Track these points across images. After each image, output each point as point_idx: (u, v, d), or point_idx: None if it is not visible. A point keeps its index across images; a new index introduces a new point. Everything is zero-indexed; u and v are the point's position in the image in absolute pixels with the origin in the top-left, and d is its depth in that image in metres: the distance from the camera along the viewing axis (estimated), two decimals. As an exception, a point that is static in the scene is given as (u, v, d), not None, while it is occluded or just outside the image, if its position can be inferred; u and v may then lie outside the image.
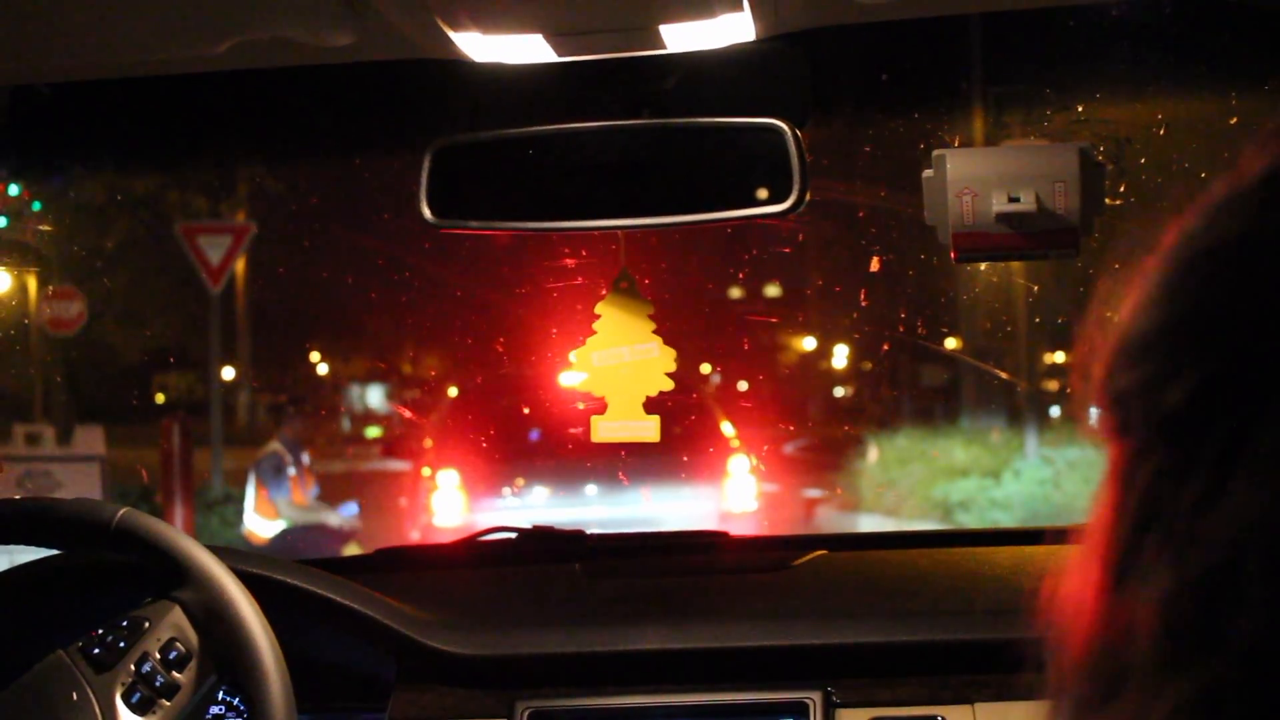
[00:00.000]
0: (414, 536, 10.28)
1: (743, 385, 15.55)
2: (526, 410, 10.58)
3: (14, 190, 8.06)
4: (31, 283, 10.76)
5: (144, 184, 12.90)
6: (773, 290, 17.08)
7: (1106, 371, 0.74)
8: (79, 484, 8.92)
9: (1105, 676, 0.69)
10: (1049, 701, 0.74)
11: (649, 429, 2.14)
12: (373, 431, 18.75)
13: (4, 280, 9.77)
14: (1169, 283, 0.71)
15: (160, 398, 17.81)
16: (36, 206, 8.97)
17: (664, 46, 1.76)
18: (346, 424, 19.89)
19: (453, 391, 13.48)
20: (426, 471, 10.64)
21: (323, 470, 12.57)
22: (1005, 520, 12.10)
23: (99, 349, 14.31)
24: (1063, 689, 0.73)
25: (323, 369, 19.33)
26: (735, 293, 15.47)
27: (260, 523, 9.89)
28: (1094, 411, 0.74)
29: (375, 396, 20.88)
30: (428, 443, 11.46)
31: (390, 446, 15.83)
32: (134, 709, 1.84)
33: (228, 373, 16.18)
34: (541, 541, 2.55)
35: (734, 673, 2.09)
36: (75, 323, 11.01)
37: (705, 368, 15.29)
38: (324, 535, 9.84)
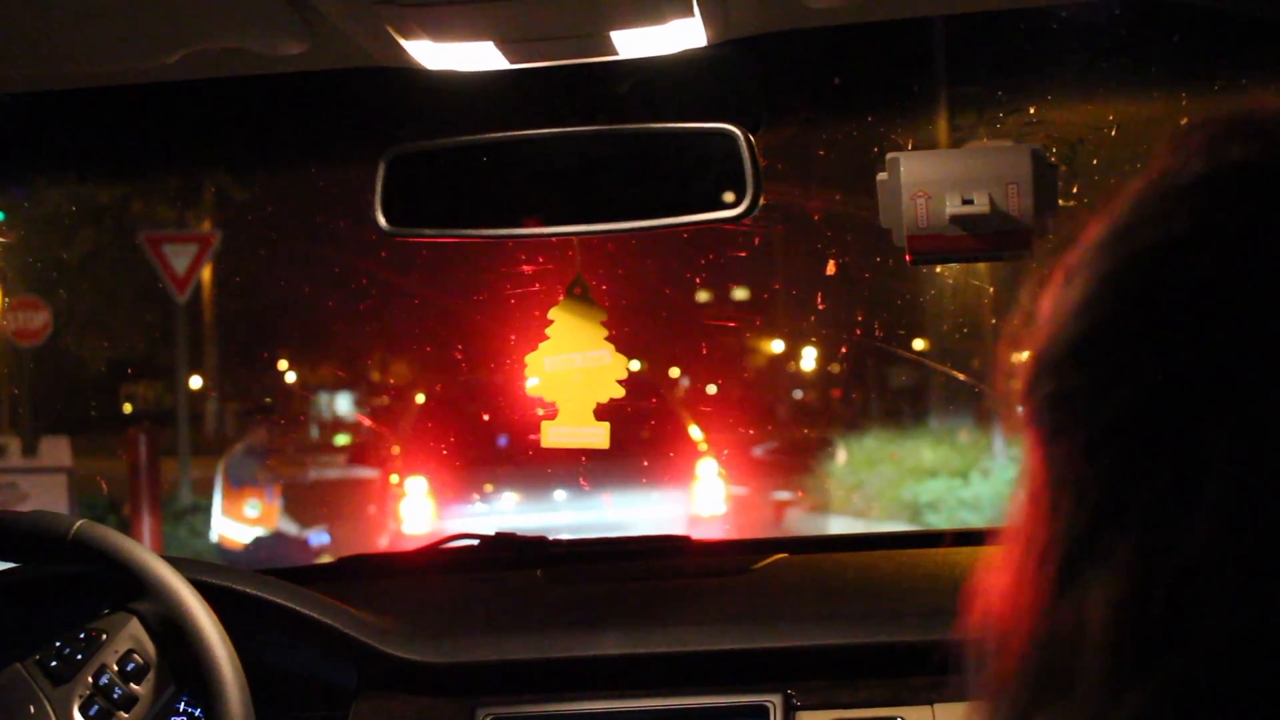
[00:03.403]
0: (383, 544, 10.25)
1: (711, 389, 15.56)
2: (491, 416, 10.56)
3: (-25, 202, 8.02)
4: (-5, 294, 10.71)
5: (108, 194, 12.84)
6: (735, 294, 17.07)
7: (1037, 373, 0.74)
8: (46, 495, 8.89)
9: (1048, 677, 0.69)
10: (984, 701, 0.75)
11: (598, 436, 2.14)
12: (341, 439, 18.68)
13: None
14: (1105, 282, 0.71)
15: (127, 408, 17.72)
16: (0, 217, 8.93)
17: (615, 53, 1.76)
18: (315, 432, 19.82)
19: (420, 398, 13.45)
20: (395, 479, 10.62)
21: (291, 479, 12.52)
22: (974, 521, 12.12)
23: (64, 360, 14.24)
24: (999, 689, 0.73)
25: (290, 377, 19.26)
26: (696, 297, 15.46)
27: (230, 526, 9.83)
28: (1019, 412, 0.74)
29: (343, 404, 20.80)
30: (395, 450, 11.44)
31: (357, 454, 15.78)
32: (91, 721, 1.83)
33: (195, 382, 16.11)
34: (504, 548, 2.55)
35: (694, 677, 2.09)
36: (40, 333, 10.97)
37: (673, 372, 15.30)
38: (295, 547, 9.80)
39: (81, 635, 1.88)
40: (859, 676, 2.08)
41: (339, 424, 19.82)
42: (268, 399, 16.82)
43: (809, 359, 17.58)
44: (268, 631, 2.13)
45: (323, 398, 20.50)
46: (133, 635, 1.88)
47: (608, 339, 2.13)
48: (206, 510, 11.07)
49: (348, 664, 2.15)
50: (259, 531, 9.76)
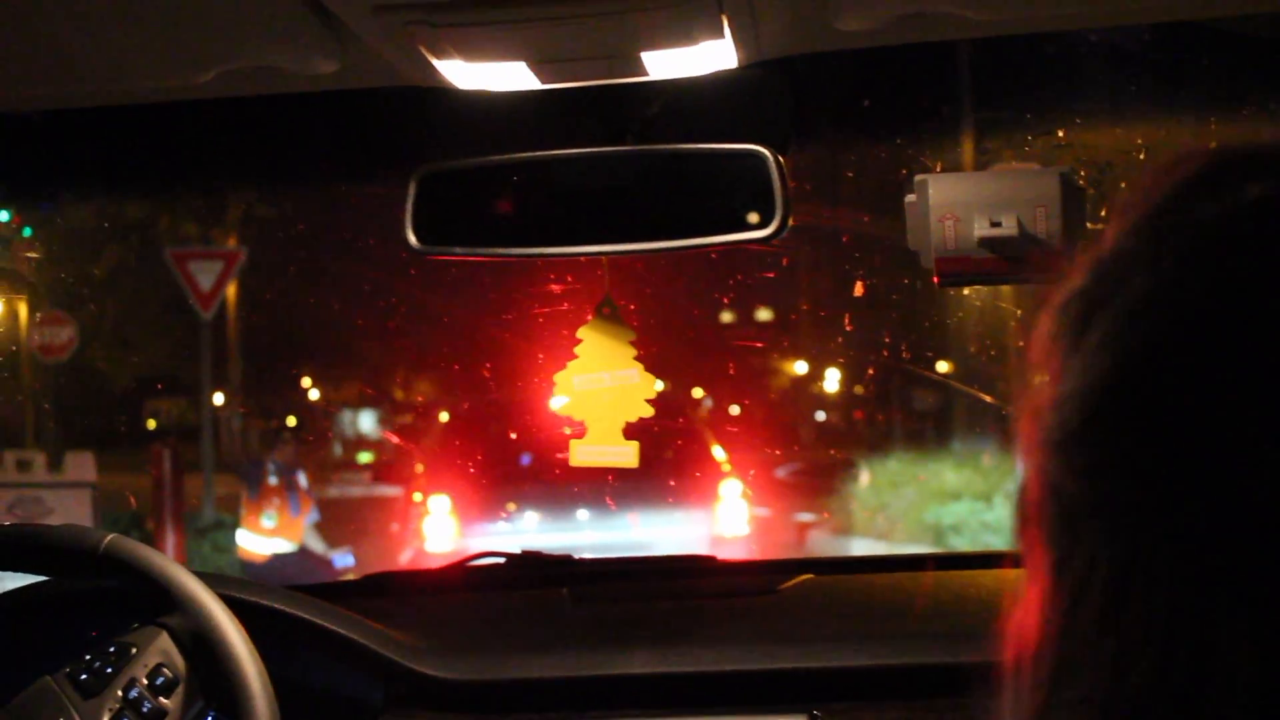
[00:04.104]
0: (406, 562, 10.25)
1: (735, 410, 15.55)
2: (517, 435, 10.58)
3: (4, 216, 8.06)
4: (22, 309, 10.75)
5: (134, 210, 12.89)
6: (761, 314, 17.09)
7: (1079, 414, 0.72)
8: (70, 510, 8.90)
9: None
10: None
11: (627, 455, 2.14)
12: (365, 457, 18.71)
13: (-5, 307, 9.77)
14: (1157, 330, 0.70)
15: (152, 423, 17.77)
16: (27, 232, 8.97)
17: (646, 74, 1.77)
18: (338, 449, 19.85)
19: (444, 416, 13.47)
20: (418, 497, 10.63)
21: (316, 496, 12.55)
22: (998, 544, 12.06)
23: (90, 375, 14.29)
24: (1029, 712, 0.73)
25: (314, 394, 19.31)
26: (722, 317, 15.48)
27: (249, 538, 9.85)
28: (1044, 452, 0.73)
29: (367, 422, 20.84)
30: (419, 468, 11.46)
31: (381, 472, 15.79)
32: (120, 735, 1.84)
33: (219, 398, 16.15)
34: (530, 566, 2.55)
35: (720, 697, 2.09)
36: (66, 349, 11.00)
37: (697, 392, 15.30)
38: (319, 564, 9.80)
39: (111, 649, 1.89)
40: (884, 698, 2.07)
41: (363, 441, 19.85)
42: (286, 420, 16.86)
43: (833, 380, 17.57)
44: (296, 647, 2.14)
45: (347, 415, 20.53)
46: (162, 649, 1.88)
47: (636, 358, 2.14)
48: (230, 526, 11.09)
49: (374, 680, 2.16)
50: (279, 543, 9.76)
